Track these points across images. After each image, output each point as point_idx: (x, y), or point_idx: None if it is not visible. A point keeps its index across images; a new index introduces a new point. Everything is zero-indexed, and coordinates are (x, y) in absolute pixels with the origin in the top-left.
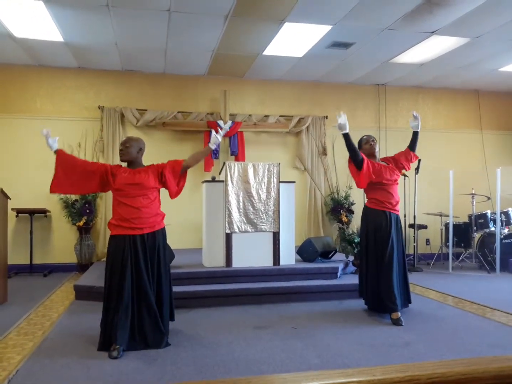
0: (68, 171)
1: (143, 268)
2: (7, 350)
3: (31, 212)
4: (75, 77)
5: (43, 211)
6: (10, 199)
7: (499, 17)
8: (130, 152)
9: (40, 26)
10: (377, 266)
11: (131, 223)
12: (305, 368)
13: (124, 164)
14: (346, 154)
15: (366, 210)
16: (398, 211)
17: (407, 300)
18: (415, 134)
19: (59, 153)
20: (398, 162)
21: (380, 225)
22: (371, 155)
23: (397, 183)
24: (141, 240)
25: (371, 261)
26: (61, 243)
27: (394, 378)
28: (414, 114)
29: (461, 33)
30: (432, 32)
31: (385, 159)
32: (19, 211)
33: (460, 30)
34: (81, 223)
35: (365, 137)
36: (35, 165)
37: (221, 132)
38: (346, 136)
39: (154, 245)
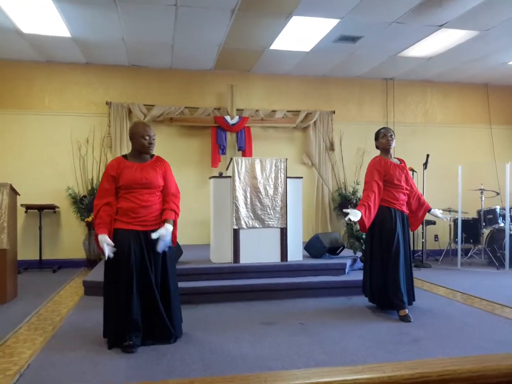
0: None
1: (147, 264)
2: (18, 345)
3: (40, 208)
4: (83, 73)
5: (52, 207)
6: (20, 195)
7: (508, 9)
8: (155, 145)
9: (48, 22)
10: (383, 263)
11: (137, 220)
12: (312, 364)
13: (121, 152)
14: (353, 149)
15: None
16: (405, 211)
17: (411, 298)
18: (428, 211)
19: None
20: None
21: (385, 220)
22: (386, 150)
23: (406, 191)
24: (145, 236)
25: (376, 257)
26: (70, 238)
27: (404, 375)
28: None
29: (470, 26)
30: (441, 25)
31: (399, 159)
32: (28, 207)
33: (469, 23)
34: (89, 219)
35: (382, 130)
36: (44, 161)
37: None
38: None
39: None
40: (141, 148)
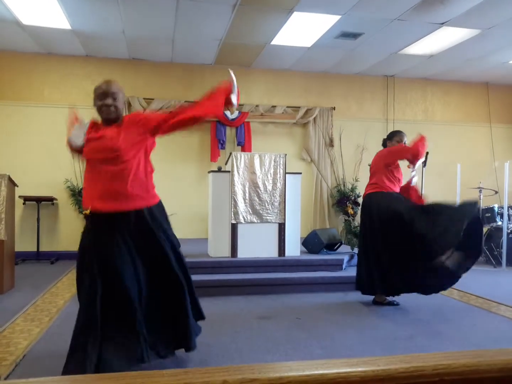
0: None
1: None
2: (14, 336)
3: (38, 200)
4: (83, 65)
5: (50, 199)
6: (18, 186)
7: (511, 8)
8: (120, 108)
9: (48, 14)
10: (386, 245)
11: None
12: (309, 358)
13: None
14: (353, 146)
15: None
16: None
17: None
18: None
19: None
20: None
21: (382, 201)
22: None
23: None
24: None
25: (376, 242)
26: (68, 230)
27: (399, 369)
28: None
29: (471, 25)
30: (442, 23)
31: None
32: (26, 199)
33: (470, 21)
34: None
35: (402, 133)
36: (42, 153)
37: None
38: None
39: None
40: (99, 114)
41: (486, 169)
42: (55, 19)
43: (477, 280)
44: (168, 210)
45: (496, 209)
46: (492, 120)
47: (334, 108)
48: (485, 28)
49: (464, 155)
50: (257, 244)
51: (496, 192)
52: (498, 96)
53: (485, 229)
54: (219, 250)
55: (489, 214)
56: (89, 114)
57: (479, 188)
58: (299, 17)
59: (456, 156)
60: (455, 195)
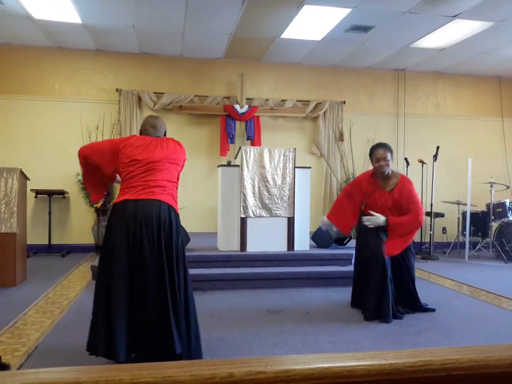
0: None
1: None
2: (26, 327)
3: (50, 193)
4: (93, 60)
5: (61, 192)
6: (29, 180)
7: None
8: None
9: (59, 8)
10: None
11: None
12: (318, 352)
13: None
14: (363, 140)
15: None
16: None
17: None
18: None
19: None
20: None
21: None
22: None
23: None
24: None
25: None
26: (79, 224)
27: (406, 363)
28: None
29: (484, 17)
30: (454, 16)
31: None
32: (38, 192)
33: (483, 13)
34: (98, 205)
35: (375, 149)
36: (54, 146)
37: None
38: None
39: None
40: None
41: (498, 163)
42: (66, 13)
43: (488, 275)
44: (178, 204)
45: (507, 204)
46: (505, 114)
47: (344, 102)
48: (498, 21)
49: (476, 150)
50: (266, 238)
51: (508, 187)
52: (510, 90)
53: (496, 224)
54: (228, 244)
55: (501, 209)
56: (100, 108)
57: (490, 183)
58: (309, 10)
59: (468, 151)
60: (466, 190)
